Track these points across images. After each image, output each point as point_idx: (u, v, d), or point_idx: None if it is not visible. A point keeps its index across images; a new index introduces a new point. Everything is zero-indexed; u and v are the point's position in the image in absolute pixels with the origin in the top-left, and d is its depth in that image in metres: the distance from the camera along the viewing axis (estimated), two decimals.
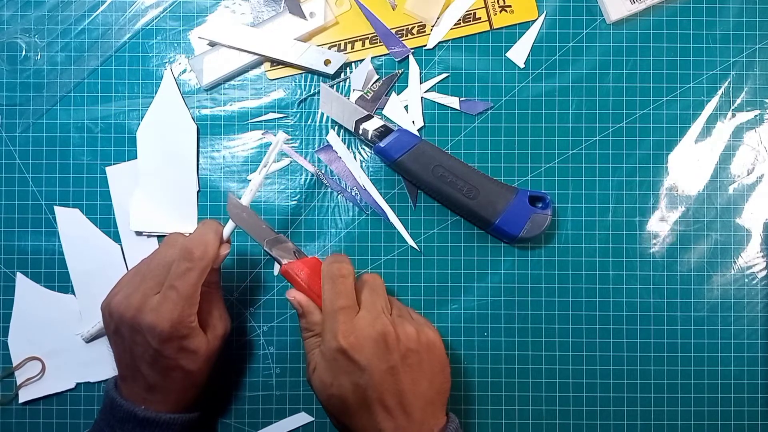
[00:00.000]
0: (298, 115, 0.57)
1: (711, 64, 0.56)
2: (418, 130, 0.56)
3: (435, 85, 0.56)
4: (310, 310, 0.48)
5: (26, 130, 0.56)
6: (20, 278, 0.56)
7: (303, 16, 0.56)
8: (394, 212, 0.56)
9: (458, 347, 0.56)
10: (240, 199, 0.50)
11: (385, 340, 0.45)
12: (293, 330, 0.56)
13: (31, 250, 0.56)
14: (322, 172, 0.56)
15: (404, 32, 0.56)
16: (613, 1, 0.56)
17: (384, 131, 0.53)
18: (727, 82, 0.56)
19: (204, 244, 0.47)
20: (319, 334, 0.48)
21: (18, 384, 0.55)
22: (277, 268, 0.56)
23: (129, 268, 0.56)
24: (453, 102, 0.56)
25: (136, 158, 0.56)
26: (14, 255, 0.56)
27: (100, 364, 0.56)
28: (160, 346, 0.46)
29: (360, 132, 0.54)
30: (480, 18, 0.56)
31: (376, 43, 0.56)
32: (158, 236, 0.56)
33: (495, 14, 0.56)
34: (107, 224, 0.56)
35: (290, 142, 0.57)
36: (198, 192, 0.56)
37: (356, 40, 0.56)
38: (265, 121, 0.57)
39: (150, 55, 0.57)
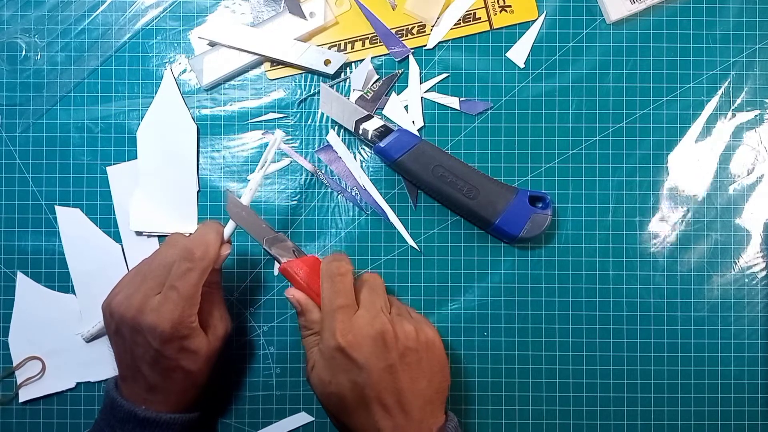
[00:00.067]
0: (298, 115, 0.57)
1: (711, 64, 0.56)
2: (418, 130, 0.56)
3: (435, 85, 0.56)
4: (309, 308, 0.49)
5: (26, 130, 0.56)
6: (21, 278, 0.56)
7: (303, 16, 0.56)
8: (394, 212, 0.56)
9: (458, 347, 0.56)
10: (240, 198, 0.51)
11: (384, 338, 0.45)
12: (293, 330, 0.56)
13: (32, 249, 0.56)
14: (322, 171, 0.56)
15: (404, 32, 0.56)
16: (613, 1, 0.55)
17: (384, 131, 0.53)
18: (727, 82, 0.56)
19: (205, 244, 0.47)
20: (318, 332, 0.48)
21: (18, 383, 0.55)
22: (276, 267, 0.56)
23: (129, 268, 0.56)
24: (453, 102, 0.56)
25: (136, 158, 0.56)
26: (14, 255, 0.56)
27: (101, 364, 0.56)
28: (161, 346, 0.46)
29: (360, 132, 0.54)
30: (480, 18, 0.56)
31: (376, 43, 0.56)
32: (158, 236, 0.56)
33: (495, 14, 0.56)
34: (107, 224, 0.56)
35: (290, 142, 0.57)
36: (198, 192, 0.56)
37: (356, 40, 0.56)
38: (265, 121, 0.57)
39: (150, 55, 0.57)
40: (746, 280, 0.56)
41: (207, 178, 0.56)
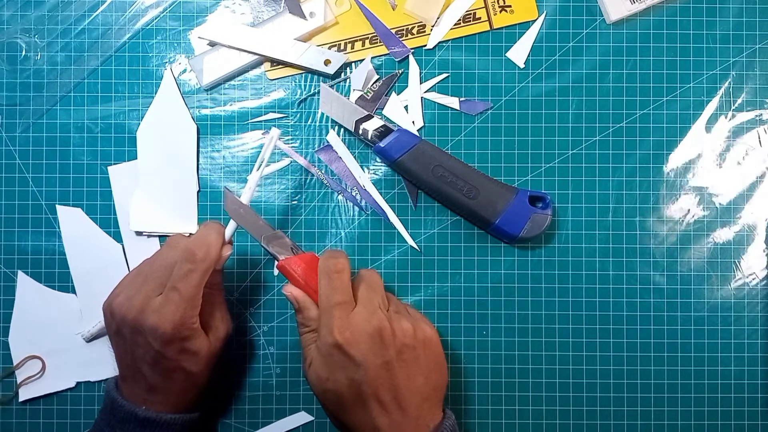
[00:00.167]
0: (298, 115, 0.57)
1: (711, 64, 0.56)
2: (418, 130, 0.56)
3: (435, 85, 0.56)
4: (307, 305, 0.49)
5: (26, 130, 0.56)
6: (21, 277, 0.56)
7: (303, 16, 0.56)
8: (394, 212, 0.56)
9: (458, 347, 0.56)
10: (239, 198, 0.51)
11: (381, 335, 0.45)
12: (293, 330, 0.56)
13: (32, 249, 0.56)
14: (322, 171, 0.56)
15: (404, 32, 0.56)
16: (613, 1, 0.55)
17: (384, 131, 0.53)
18: (727, 82, 0.56)
19: (206, 245, 0.47)
20: (316, 329, 0.48)
21: (18, 383, 0.55)
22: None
23: (130, 268, 0.56)
24: (453, 102, 0.56)
25: (136, 158, 0.56)
26: (15, 255, 0.56)
27: (101, 364, 0.56)
28: (162, 347, 0.46)
29: (360, 132, 0.54)
30: (480, 18, 0.56)
31: (376, 43, 0.56)
32: (158, 236, 0.56)
33: (495, 14, 0.56)
34: (107, 224, 0.56)
35: (290, 141, 0.57)
36: (198, 192, 0.56)
37: (356, 40, 0.56)
38: (265, 121, 0.57)
39: (150, 55, 0.57)
40: (746, 281, 0.56)
41: (207, 178, 0.56)
